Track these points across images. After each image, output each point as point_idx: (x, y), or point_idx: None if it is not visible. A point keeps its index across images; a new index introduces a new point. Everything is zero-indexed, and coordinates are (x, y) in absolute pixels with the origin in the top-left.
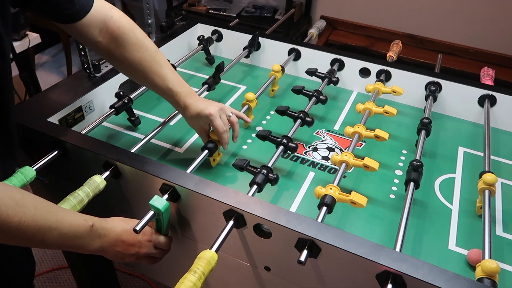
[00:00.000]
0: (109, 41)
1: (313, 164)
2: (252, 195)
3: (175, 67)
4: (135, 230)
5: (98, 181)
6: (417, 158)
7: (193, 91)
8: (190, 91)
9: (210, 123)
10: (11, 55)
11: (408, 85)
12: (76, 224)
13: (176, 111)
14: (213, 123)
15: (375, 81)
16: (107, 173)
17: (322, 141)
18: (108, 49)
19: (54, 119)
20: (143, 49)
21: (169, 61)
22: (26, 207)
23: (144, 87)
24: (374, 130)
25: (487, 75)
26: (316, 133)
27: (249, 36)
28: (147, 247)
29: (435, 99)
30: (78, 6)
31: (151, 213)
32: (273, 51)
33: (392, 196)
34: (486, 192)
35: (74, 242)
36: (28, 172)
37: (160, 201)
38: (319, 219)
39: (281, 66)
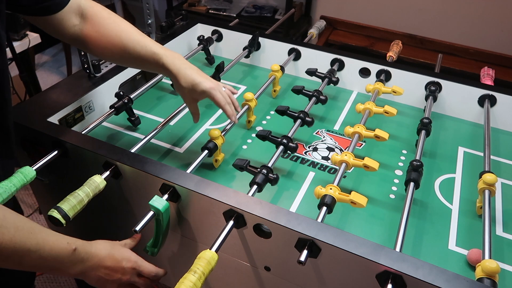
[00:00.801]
0: (84, 24)
1: (313, 164)
2: (252, 195)
3: None
4: (134, 230)
5: (98, 181)
6: (417, 158)
7: (180, 55)
8: (176, 54)
9: (209, 97)
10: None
11: (408, 85)
12: (57, 248)
13: (176, 111)
14: (214, 97)
15: (375, 81)
16: (107, 173)
17: (322, 141)
18: (85, 32)
19: (54, 119)
20: (117, 22)
21: None
22: (5, 228)
23: (144, 87)
24: (374, 130)
25: (487, 75)
26: (316, 133)
27: (249, 36)
28: (130, 274)
29: (435, 99)
30: None
31: (151, 213)
32: (273, 51)
33: (392, 196)
34: (486, 192)
35: (54, 265)
36: (28, 172)
37: (159, 201)
38: (319, 219)
39: (280, 66)
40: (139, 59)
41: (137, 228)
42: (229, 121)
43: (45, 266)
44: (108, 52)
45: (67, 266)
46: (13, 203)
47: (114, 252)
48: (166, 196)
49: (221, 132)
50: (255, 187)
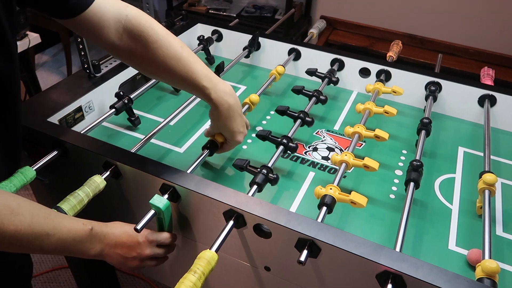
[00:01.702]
0: (127, 43)
1: (313, 164)
2: (252, 195)
3: None
4: (136, 229)
5: (98, 181)
6: (417, 158)
7: (227, 84)
8: (223, 86)
9: (230, 141)
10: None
11: (408, 85)
12: (74, 229)
13: (176, 111)
14: (231, 147)
15: (375, 81)
16: (107, 173)
17: (322, 141)
18: (128, 52)
19: (54, 119)
20: (166, 46)
21: None
22: (22, 215)
23: (144, 87)
24: (374, 130)
25: (487, 75)
26: (316, 133)
27: (249, 36)
28: (148, 247)
29: (435, 99)
30: (72, 2)
31: (151, 212)
32: (273, 51)
33: (392, 196)
34: (486, 192)
35: (74, 247)
36: (28, 172)
37: (160, 200)
38: (319, 219)
39: (282, 65)
40: (187, 88)
41: (138, 227)
42: None
43: (66, 249)
44: (155, 75)
45: (86, 247)
46: None
47: (128, 229)
48: (166, 196)
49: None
50: (255, 187)
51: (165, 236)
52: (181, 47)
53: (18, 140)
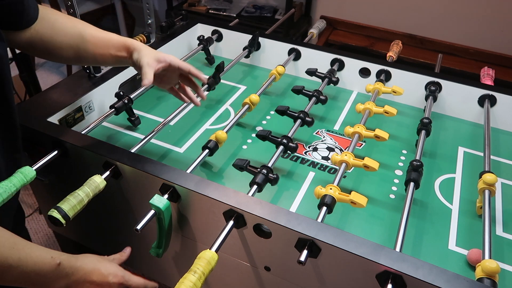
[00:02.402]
0: (44, 30)
1: (313, 164)
2: (252, 195)
3: None
4: (136, 229)
5: (98, 181)
6: (417, 158)
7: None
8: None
9: (172, 62)
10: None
11: (408, 85)
12: (41, 262)
13: (176, 111)
14: (180, 65)
15: (375, 81)
16: (107, 173)
17: (322, 141)
18: (44, 37)
19: (54, 119)
20: (72, 18)
21: None
22: None
23: (144, 87)
24: (374, 130)
25: (487, 75)
26: (316, 133)
27: (249, 36)
28: None
29: (435, 99)
30: (30, 10)
31: (152, 212)
32: (273, 51)
33: (392, 196)
34: (486, 192)
35: (37, 280)
36: (28, 172)
37: (160, 200)
38: (319, 219)
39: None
40: (102, 49)
41: (138, 227)
42: (229, 120)
43: (27, 282)
44: (65, 46)
45: (51, 281)
46: (17, 205)
47: (100, 267)
48: (166, 196)
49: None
50: (255, 187)
51: (137, 281)
52: (76, 20)
53: (15, 128)
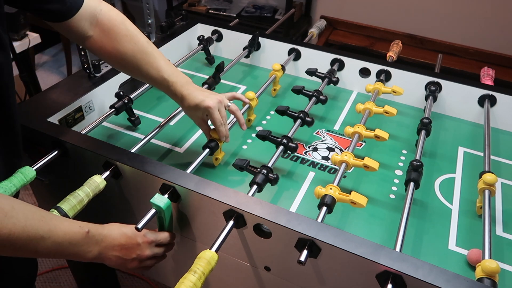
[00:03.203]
0: (100, 35)
1: (313, 164)
2: (252, 195)
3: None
4: (136, 228)
5: (98, 181)
6: (417, 158)
7: (190, 80)
8: (186, 81)
9: (208, 116)
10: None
11: (408, 85)
12: (71, 232)
13: (176, 111)
14: (211, 116)
15: (375, 81)
16: (107, 173)
17: (322, 141)
18: (99, 44)
19: (54, 119)
20: (135, 41)
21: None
22: (15, 218)
23: (144, 87)
24: (374, 130)
25: (487, 75)
26: (316, 133)
27: (249, 36)
28: (148, 248)
29: (435, 99)
30: (69, 3)
31: (152, 211)
32: (273, 51)
33: (392, 196)
34: (486, 192)
35: (70, 250)
36: (28, 172)
37: (161, 199)
38: (319, 219)
39: (281, 65)
40: (150, 80)
41: (139, 226)
42: (229, 120)
43: (62, 252)
44: (122, 68)
45: (83, 250)
46: None
47: (127, 231)
48: (166, 196)
49: None
50: (255, 187)
51: (164, 235)
52: (147, 42)
53: (16, 135)
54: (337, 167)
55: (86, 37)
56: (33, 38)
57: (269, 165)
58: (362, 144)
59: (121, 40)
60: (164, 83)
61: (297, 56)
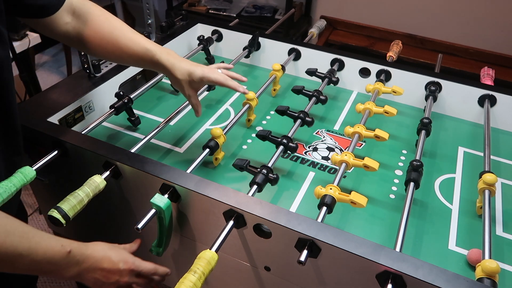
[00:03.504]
0: (77, 22)
1: (313, 164)
2: (252, 195)
3: None
4: (136, 228)
5: (98, 181)
6: (417, 158)
7: (173, 51)
8: (168, 50)
9: (208, 81)
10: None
11: (408, 85)
12: (51, 251)
13: (176, 111)
14: (213, 78)
15: (375, 81)
16: (107, 173)
17: (322, 141)
18: (77, 29)
19: (54, 119)
20: (110, 19)
21: None
22: None
23: (144, 87)
24: (374, 130)
25: (487, 75)
26: (316, 133)
27: (249, 36)
28: (127, 276)
29: (435, 99)
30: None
31: (152, 211)
32: (273, 51)
33: (392, 196)
34: (486, 192)
35: (48, 268)
36: (28, 172)
37: (161, 199)
38: (319, 219)
39: (281, 65)
40: (133, 56)
41: (139, 225)
42: (230, 120)
43: (40, 270)
44: (102, 49)
45: (62, 269)
46: (18, 205)
47: (111, 254)
48: (166, 196)
49: (222, 131)
50: (255, 187)
51: (148, 267)
52: (121, 21)
53: (17, 134)
54: (337, 167)
55: (65, 28)
56: (33, 38)
57: (269, 165)
58: (362, 144)
59: (98, 20)
60: (148, 54)
61: (297, 56)
